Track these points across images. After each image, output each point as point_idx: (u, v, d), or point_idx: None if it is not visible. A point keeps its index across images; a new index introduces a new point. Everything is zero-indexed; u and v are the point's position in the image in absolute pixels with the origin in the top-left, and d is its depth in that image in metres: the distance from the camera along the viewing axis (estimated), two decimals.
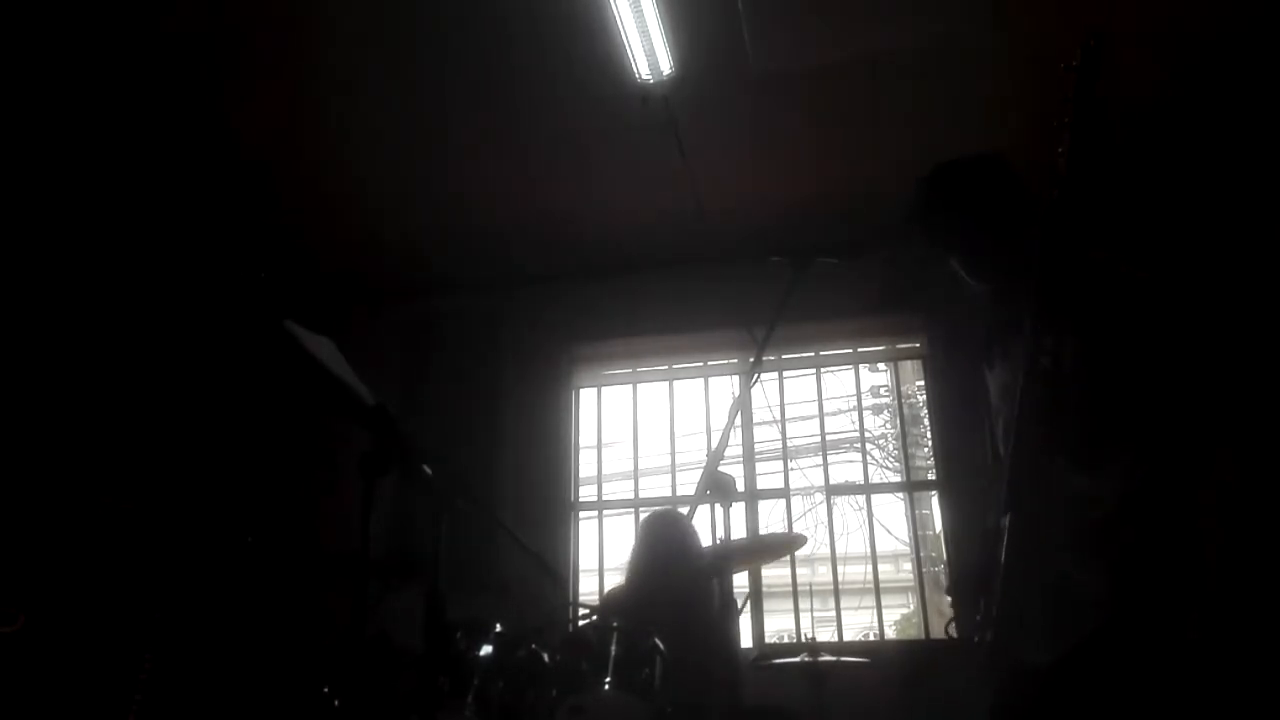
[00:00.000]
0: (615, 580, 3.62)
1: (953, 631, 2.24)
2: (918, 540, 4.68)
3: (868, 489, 4.72)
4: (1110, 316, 1.81)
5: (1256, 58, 3.36)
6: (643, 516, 3.84)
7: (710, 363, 4.79)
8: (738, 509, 4.20)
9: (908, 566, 5.38)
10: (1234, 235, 3.84)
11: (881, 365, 5.26)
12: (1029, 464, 1.83)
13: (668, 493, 4.72)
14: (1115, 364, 1.81)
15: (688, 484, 4.63)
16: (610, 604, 3.38)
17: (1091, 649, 1.72)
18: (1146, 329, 1.83)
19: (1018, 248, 1.91)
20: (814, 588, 4.61)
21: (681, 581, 3.08)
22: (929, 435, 4.52)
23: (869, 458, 5.06)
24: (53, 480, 3.63)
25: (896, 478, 5.35)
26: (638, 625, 2.46)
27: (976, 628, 1.96)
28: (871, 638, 4.82)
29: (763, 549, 3.45)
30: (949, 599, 2.19)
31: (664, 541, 3.32)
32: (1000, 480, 1.90)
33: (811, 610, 4.46)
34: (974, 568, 2.00)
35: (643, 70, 3.34)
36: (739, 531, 4.12)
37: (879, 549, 4.47)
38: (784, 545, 3.44)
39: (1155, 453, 1.80)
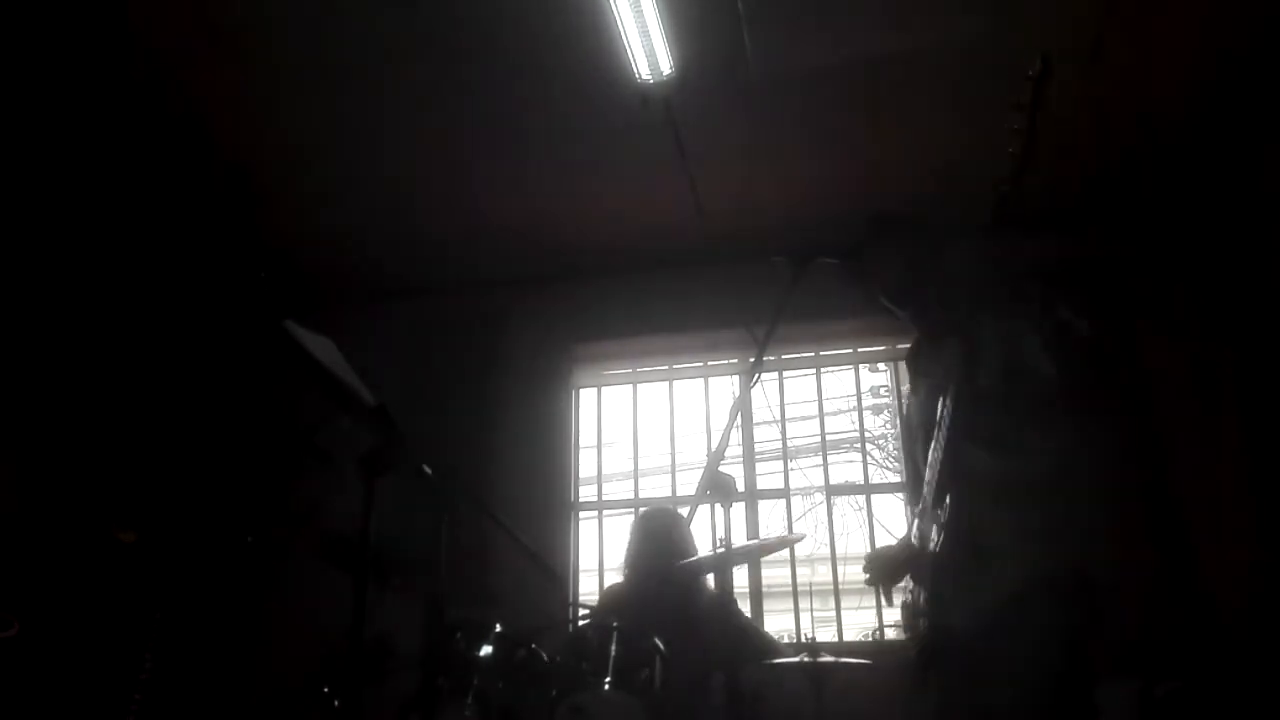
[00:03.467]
0: (614, 579, 3.63)
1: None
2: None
3: (868, 489, 4.72)
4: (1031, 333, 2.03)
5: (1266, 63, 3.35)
6: (637, 514, 3.83)
7: (710, 363, 4.79)
8: (738, 509, 4.20)
9: None
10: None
11: (881, 365, 5.25)
12: (957, 454, 2.02)
13: (668, 493, 4.72)
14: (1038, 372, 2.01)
15: (688, 484, 4.63)
16: (608, 602, 3.38)
17: (1017, 606, 1.86)
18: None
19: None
20: (814, 588, 4.60)
21: (675, 578, 3.09)
22: None
23: (869, 458, 5.05)
24: (52, 481, 3.63)
25: (896, 478, 5.34)
26: (637, 624, 2.46)
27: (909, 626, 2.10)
28: (871, 638, 4.81)
29: (761, 551, 3.45)
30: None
31: (657, 538, 3.33)
32: (930, 481, 2.08)
33: (811, 610, 4.45)
34: (892, 567, 2.25)
35: (643, 70, 3.34)
36: (738, 531, 4.12)
37: None
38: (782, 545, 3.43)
39: (1074, 431, 2.01)
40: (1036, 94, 1.78)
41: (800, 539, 3.30)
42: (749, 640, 3.07)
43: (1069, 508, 1.94)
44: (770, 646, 3.13)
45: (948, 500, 2.03)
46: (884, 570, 2.31)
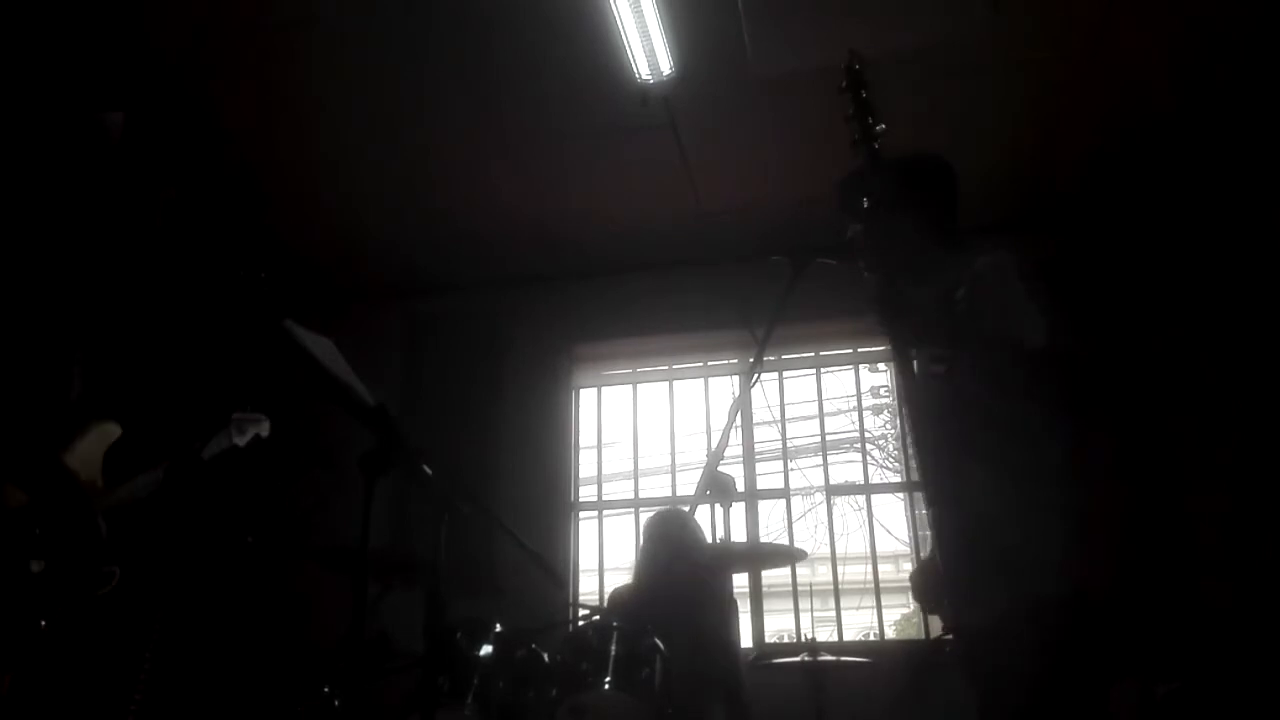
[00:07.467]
0: (617, 580, 3.63)
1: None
2: (918, 540, 4.67)
3: (868, 489, 4.72)
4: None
5: (1261, 60, 3.35)
6: (646, 515, 3.83)
7: (710, 363, 4.79)
8: (738, 509, 4.20)
9: (908, 566, 5.37)
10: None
11: (881, 365, 5.26)
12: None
13: (668, 493, 4.72)
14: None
15: (688, 484, 4.63)
16: (616, 602, 3.38)
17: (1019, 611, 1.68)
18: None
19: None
20: (814, 588, 4.60)
21: (686, 580, 3.08)
22: None
23: (869, 458, 5.05)
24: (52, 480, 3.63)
25: (896, 478, 5.34)
26: (640, 625, 2.46)
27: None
28: (871, 638, 4.82)
29: (763, 557, 3.45)
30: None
31: (669, 540, 3.32)
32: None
33: (811, 610, 4.45)
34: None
35: (643, 70, 3.34)
36: (739, 532, 4.13)
37: (879, 549, 4.48)
38: (783, 556, 3.43)
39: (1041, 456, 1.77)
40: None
41: (803, 556, 3.30)
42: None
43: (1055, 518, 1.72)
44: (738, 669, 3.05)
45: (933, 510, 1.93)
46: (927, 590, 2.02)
